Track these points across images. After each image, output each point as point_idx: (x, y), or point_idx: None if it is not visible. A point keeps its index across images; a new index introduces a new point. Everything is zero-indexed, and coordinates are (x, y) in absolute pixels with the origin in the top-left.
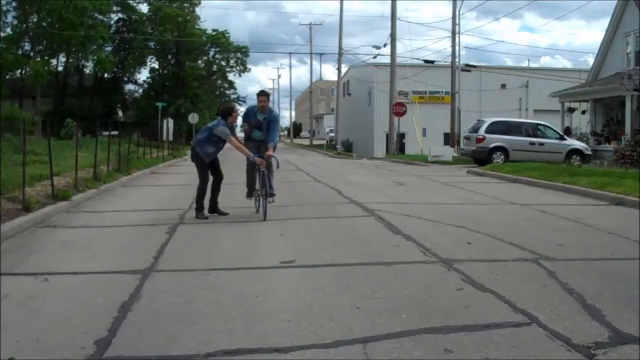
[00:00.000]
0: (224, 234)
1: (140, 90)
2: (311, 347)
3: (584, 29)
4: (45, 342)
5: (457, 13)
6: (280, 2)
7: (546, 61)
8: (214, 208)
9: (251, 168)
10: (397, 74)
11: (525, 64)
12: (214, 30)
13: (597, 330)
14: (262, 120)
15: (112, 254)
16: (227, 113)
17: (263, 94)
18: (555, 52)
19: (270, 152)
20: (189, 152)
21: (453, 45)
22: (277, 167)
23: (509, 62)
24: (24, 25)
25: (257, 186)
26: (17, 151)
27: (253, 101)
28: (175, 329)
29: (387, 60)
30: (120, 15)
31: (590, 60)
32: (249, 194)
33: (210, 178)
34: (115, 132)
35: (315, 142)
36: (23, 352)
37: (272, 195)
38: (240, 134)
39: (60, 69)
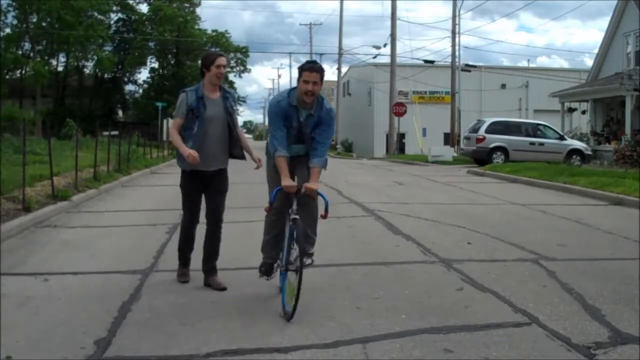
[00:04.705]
0: (224, 234)
1: (140, 90)
2: (311, 347)
3: (580, 28)
4: (45, 342)
5: (457, 13)
6: (276, 2)
7: (543, 61)
8: (208, 275)
9: (281, 208)
10: (397, 74)
11: (522, 64)
12: (213, 30)
13: (597, 330)
14: (304, 121)
15: (112, 254)
16: (203, 64)
17: (313, 68)
18: (552, 52)
19: (313, 185)
20: None
21: (453, 45)
22: (324, 215)
23: (506, 62)
24: (24, 25)
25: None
26: (17, 151)
27: (253, 101)
28: (175, 329)
29: (387, 60)
30: (120, 15)
31: (587, 60)
32: (267, 270)
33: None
34: (115, 132)
35: None
36: (23, 352)
37: (309, 254)
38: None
39: (60, 69)
